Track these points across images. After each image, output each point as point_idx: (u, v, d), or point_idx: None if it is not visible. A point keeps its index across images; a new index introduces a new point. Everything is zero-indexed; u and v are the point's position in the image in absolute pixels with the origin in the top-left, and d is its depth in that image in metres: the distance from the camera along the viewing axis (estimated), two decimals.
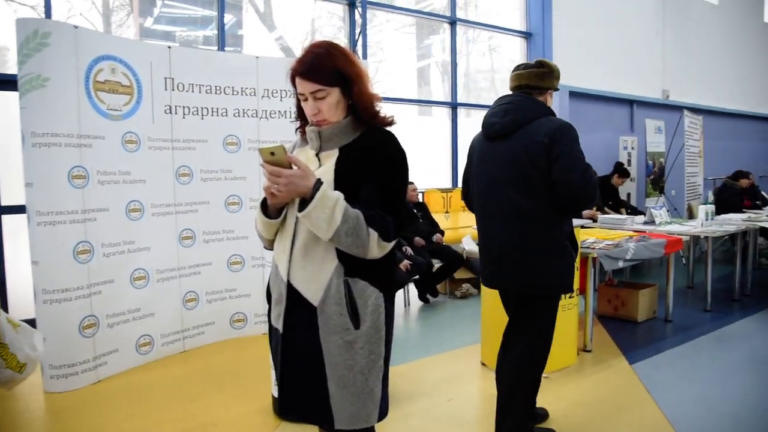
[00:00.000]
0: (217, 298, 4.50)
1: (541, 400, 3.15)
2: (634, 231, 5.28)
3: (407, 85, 7.51)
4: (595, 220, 6.10)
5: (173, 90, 4.17)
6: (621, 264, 4.20)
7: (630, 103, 9.34)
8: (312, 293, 1.64)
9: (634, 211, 7.32)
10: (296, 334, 1.67)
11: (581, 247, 4.12)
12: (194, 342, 4.38)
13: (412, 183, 6.11)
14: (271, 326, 1.81)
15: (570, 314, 3.81)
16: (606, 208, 7.10)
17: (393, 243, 1.65)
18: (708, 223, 5.61)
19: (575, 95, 8.30)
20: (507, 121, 2.55)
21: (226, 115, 4.43)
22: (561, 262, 2.54)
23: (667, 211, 6.25)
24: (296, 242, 1.67)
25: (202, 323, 4.42)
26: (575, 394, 3.38)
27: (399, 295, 5.60)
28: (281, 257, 1.72)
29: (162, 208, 4.15)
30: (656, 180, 9.65)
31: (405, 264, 5.14)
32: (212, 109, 4.37)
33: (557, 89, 2.71)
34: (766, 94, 12.77)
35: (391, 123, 1.74)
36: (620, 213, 7.24)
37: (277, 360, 1.74)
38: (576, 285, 3.89)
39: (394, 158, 1.67)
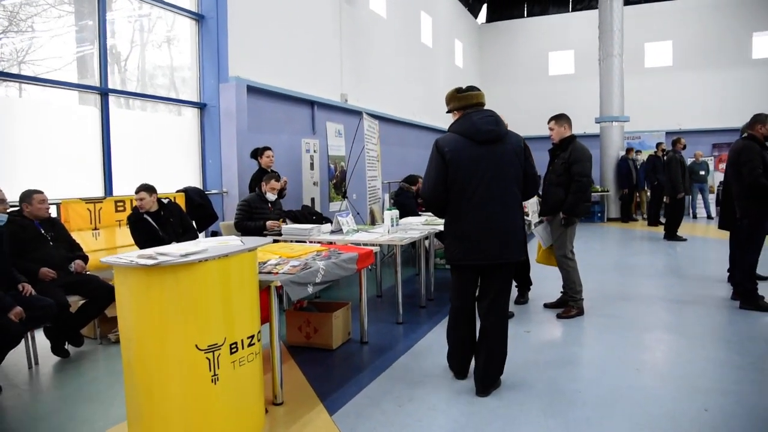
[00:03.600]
0: None
1: None
2: (322, 243, 4.69)
3: (70, 72, 5.75)
4: (280, 234, 5.35)
5: None
6: (311, 290, 3.42)
7: (311, 104, 8.99)
8: None
9: (320, 218, 6.85)
10: None
11: (260, 272, 3.24)
12: None
13: (40, 192, 4.43)
14: None
15: (252, 366, 2.85)
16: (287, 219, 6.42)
17: None
18: (394, 229, 5.37)
19: (254, 91, 7.49)
20: (500, 130, 3.27)
21: None
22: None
23: (353, 217, 5.90)
24: None
25: None
26: None
27: (20, 353, 3.94)
28: None
29: None
30: (338, 184, 9.56)
31: (17, 312, 3.50)
32: None
33: None
34: (424, 105, 14.13)
35: None
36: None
37: None
38: (257, 319, 2.97)
39: None
